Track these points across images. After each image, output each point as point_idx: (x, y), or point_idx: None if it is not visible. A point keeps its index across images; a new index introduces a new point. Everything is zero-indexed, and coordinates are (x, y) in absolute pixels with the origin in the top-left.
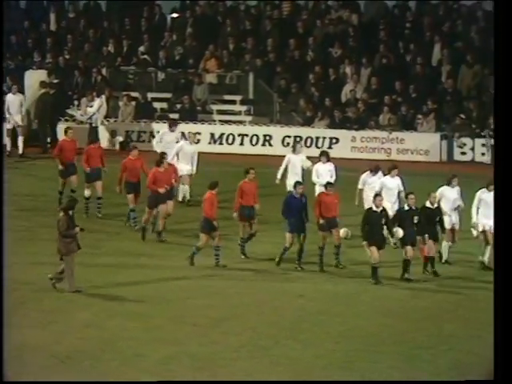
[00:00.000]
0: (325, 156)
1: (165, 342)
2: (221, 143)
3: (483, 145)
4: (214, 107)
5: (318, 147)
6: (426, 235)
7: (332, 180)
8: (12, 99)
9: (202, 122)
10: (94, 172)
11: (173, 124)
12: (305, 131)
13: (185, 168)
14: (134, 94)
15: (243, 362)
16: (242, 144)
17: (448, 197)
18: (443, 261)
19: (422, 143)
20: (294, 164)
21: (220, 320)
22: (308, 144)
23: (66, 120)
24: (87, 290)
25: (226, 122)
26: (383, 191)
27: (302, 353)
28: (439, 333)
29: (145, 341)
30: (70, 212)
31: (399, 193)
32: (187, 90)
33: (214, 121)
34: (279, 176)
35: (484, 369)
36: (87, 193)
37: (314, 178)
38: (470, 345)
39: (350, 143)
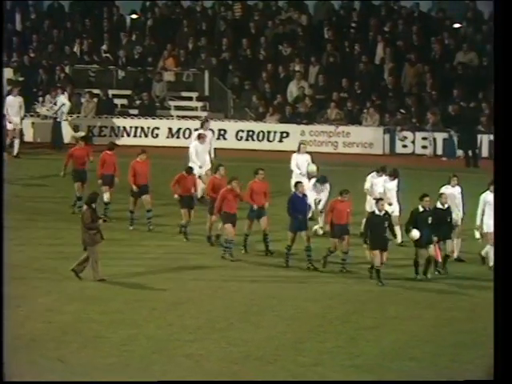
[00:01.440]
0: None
1: (124, 324)
2: (178, 137)
3: (424, 138)
4: (172, 103)
5: (269, 141)
6: (435, 238)
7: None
8: (11, 101)
9: (161, 117)
10: (109, 177)
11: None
12: (257, 126)
13: (198, 169)
14: (96, 91)
15: (199, 343)
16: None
17: (449, 195)
18: (455, 257)
19: (367, 137)
20: (299, 164)
21: (176, 304)
22: (260, 138)
23: (32, 115)
24: (50, 276)
25: (183, 117)
26: (386, 193)
27: (254, 334)
28: (383, 315)
29: (104, 323)
30: (93, 205)
31: (397, 193)
32: (146, 87)
33: (172, 116)
34: (297, 171)
35: (421, 351)
36: (106, 198)
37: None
38: (411, 326)
39: (299, 137)
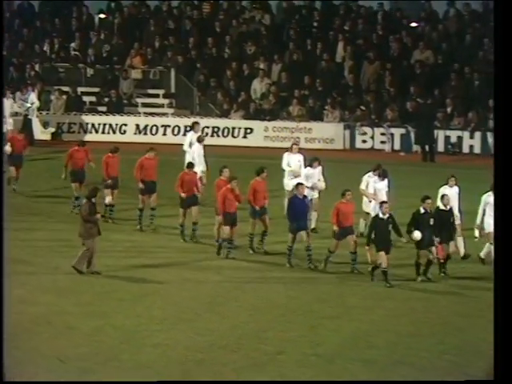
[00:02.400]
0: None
1: (93, 315)
2: (145, 133)
3: (382, 134)
4: (139, 100)
5: (234, 137)
6: (438, 238)
7: (319, 186)
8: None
9: (128, 114)
10: (113, 181)
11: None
12: (222, 122)
13: (198, 169)
14: (65, 89)
15: (166, 333)
16: (164, 134)
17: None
18: (462, 255)
19: (328, 132)
20: (291, 163)
21: (144, 295)
22: (225, 134)
23: None
24: (23, 269)
25: (150, 114)
26: (376, 194)
27: (219, 324)
28: (343, 305)
29: (76, 315)
30: (93, 199)
31: (387, 192)
32: (114, 85)
33: (139, 113)
34: (287, 169)
35: (380, 339)
36: (108, 200)
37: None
38: (371, 316)
39: (263, 133)
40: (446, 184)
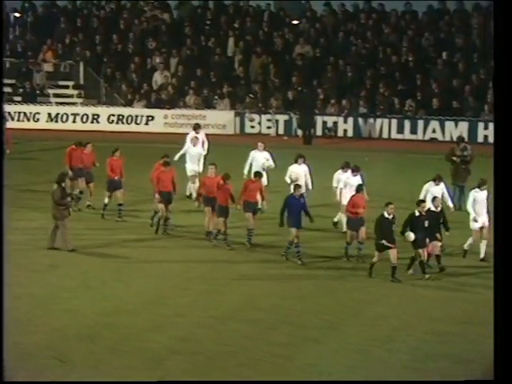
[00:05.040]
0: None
1: (11, 285)
2: (56, 121)
3: (268, 120)
4: (51, 91)
5: (137, 124)
6: (427, 240)
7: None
8: None
9: (41, 103)
10: (118, 181)
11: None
12: (126, 111)
13: (192, 168)
14: None
15: (77, 300)
16: (74, 122)
17: (432, 192)
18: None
19: (220, 119)
20: (258, 160)
21: (56, 266)
22: (129, 121)
23: None
24: None
25: (61, 103)
26: (347, 187)
27: (124, 291)
28: (236, 272)
29: None
30: (63, 184)
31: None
32: (28, 77)
33: (51, 103)
34: (246, 171)
35: (267, 303)
36: (107, 200)
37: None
38: (259, 282)
39: (163, 120)
40: (434, 181)
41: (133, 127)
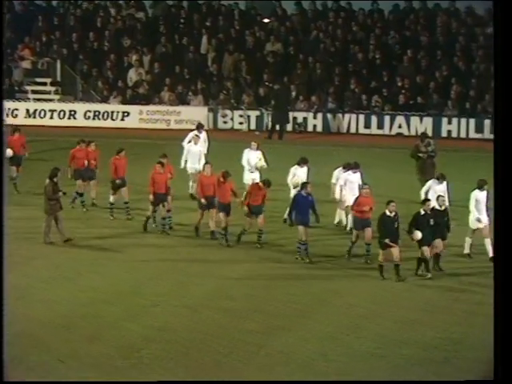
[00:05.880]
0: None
1: None
2: (34, 117)
3: (240, 115)
4: (29, 88)
5: (112, 120)
6: (432, 238)
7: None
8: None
9: (19, 99)
10: (121, 181)
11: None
12: (102, 107)
13: (193, 166)
14: None
15: (52, 290)
16: (51, 118)
17: (435, 190)
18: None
19: (194, 115)
20: (251, 160)
21: (31, 258)
22: (105, 117)
23: None
24: None
25: (39, 99)
26: (347, 184)
27: (101, 282)
28: (208, 261)
29: None
30: (55, 179)
31: (359, 186)
32: (7, 74)
33: (29, 99)
34: (247, 166)
35: (237, 292)
36: (112, 199)
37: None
38: (230, 271)
39: (138, 116)
40: (437, 179)
41: (109, 123)
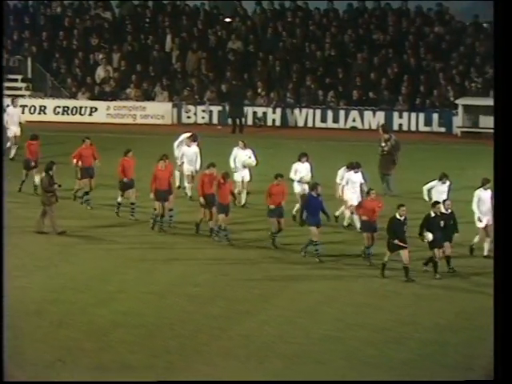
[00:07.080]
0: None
1: None
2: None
3: (203, 111)
4: None
5: (81, 115)
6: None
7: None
8: (12, 112)
9: None
10: (130, 182)
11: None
12: (71, 102)
13: (188, 168)
14: None
15: (25, 278)
16: (23, 113)
17: (438, 190)
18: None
19: (159, 110)
20: (240, 158)
21: (6, 246)
22: (73, 112)
23: None
24: None
25: (10, 95)
26: (349, 184)
27: (71, 270)
28: (174, 251)
29: None
30: (50, 172)
31: (361, 185)
32: None
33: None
34: (232, 165)
35: (202, 278)
36: (120, 199)
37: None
38: (195, 260)
39: (105, 111)
40: (440, 180)
41: (77, 118)
